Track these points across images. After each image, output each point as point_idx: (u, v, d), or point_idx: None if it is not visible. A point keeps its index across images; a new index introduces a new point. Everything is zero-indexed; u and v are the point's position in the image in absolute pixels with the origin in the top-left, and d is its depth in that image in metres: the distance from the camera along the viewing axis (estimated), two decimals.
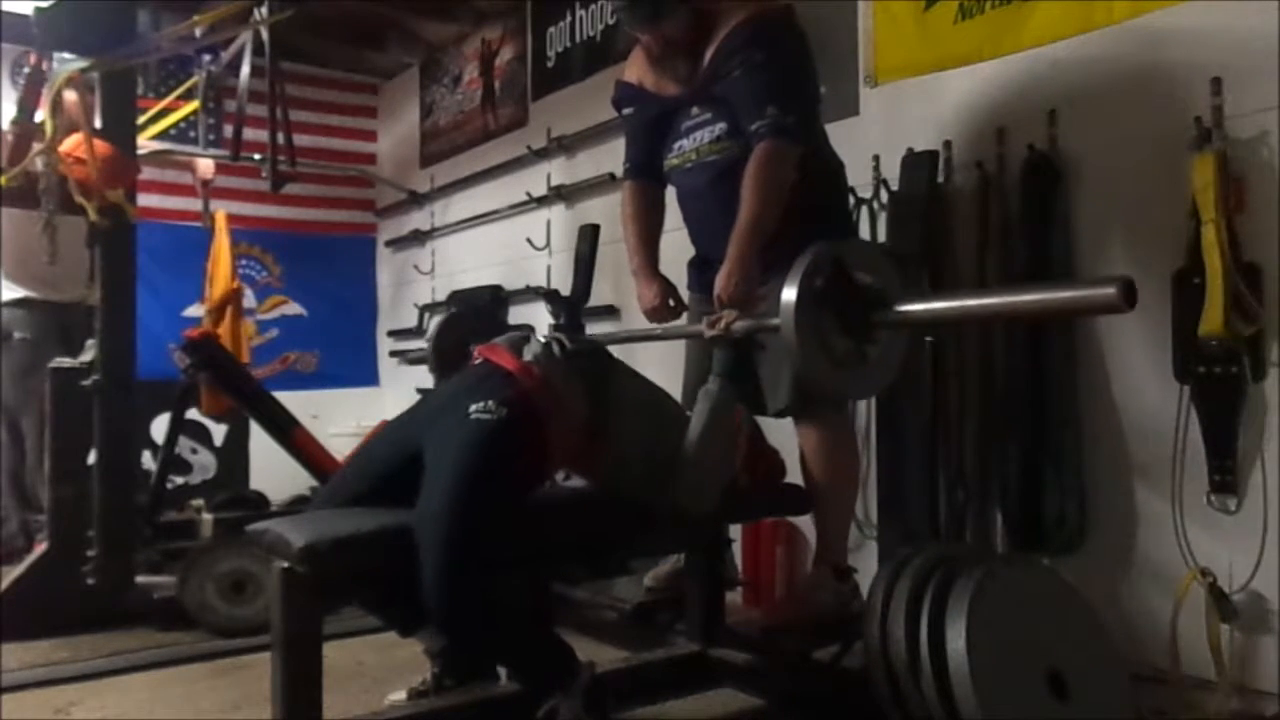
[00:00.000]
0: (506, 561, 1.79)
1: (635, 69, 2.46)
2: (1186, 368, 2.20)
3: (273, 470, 3.87)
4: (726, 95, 2.24)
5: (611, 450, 1.88)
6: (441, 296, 5.17)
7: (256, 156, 3.89)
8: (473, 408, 1.72)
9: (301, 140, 3.94)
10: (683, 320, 2.54)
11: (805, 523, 2.93)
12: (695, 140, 2.32)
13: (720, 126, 2.27)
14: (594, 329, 3.81)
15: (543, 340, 1.89)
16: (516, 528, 1.76)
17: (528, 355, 1.83)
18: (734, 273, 2.14)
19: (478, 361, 1.89)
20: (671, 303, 2.44)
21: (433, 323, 2.80)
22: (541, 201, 4.44)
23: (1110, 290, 1.40)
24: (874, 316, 1.73)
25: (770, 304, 1.88)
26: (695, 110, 2.33)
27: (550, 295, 3.58)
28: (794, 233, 2.11)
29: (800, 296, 1.65)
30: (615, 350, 3.30)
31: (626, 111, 2.51)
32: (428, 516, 1.65)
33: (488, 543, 1.68)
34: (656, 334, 2.37)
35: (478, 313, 2.89)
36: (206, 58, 4.46)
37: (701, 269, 2.44)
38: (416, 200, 5.52)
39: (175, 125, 4.71)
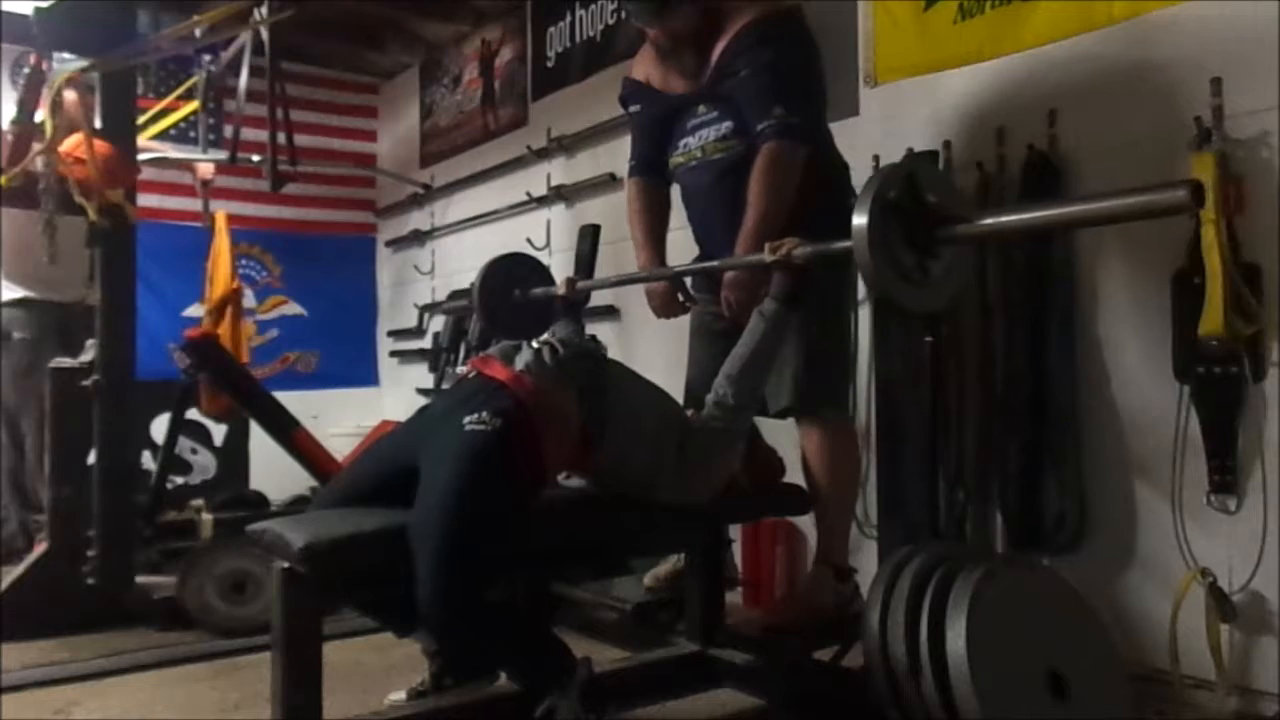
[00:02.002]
0: (503, 568, 1.79)
1: (642, 66, 2.46)
2: (1186, 367, 2.20)
3: (273, 470, 3.87)
4: (733, 94, 2.24)
5: (611, 453, 1.88)
6: (441, 296, 5.17)
7: (255, 158, 3.89)
8: (467, 419, 1.72)
9: (301, 140, 3.93)
10: (688, 319, 2.54)
11: (805, 523, 2.94)
12: (701, 138, 2.32)
13: (726, 125, 2.27)
14: (595, 329, 3.84)
15: (534, 347, 1.89)
16: (514, 534, 1.76)
17: (519, 364, 1.84)
18: (741, 274, 2.14)
19: (470, 375, 1.89)
20: (680, 297, 2.43)
21: (477, 276, 2.79)
22: (541, 201, 4.44)
23: (1180, 192, 1.40)
24: (939, 232, 1.74)
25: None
26: (702, 108, 2.32)
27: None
28: (798, 233, 2.11)
29: (874, 206, 1.65)
30: (614, 349, 3.30)
31: (633, 109, 2.51)
32: (423, 527, 1.65)
33: (482, 552, 1.68)
34: (683, 270, 2.36)
35: (519, 259, 2.90)
36: (206, 58, 4.46)
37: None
38: (417, 200, 5.52)
39: (175, 125, 4.71)
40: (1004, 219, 1.82)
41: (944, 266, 1.79)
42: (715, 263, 2.29)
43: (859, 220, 1.66)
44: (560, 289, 2.55)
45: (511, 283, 2.76)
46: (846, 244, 1.71)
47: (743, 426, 2.03)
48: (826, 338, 2.31)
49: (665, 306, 2.45)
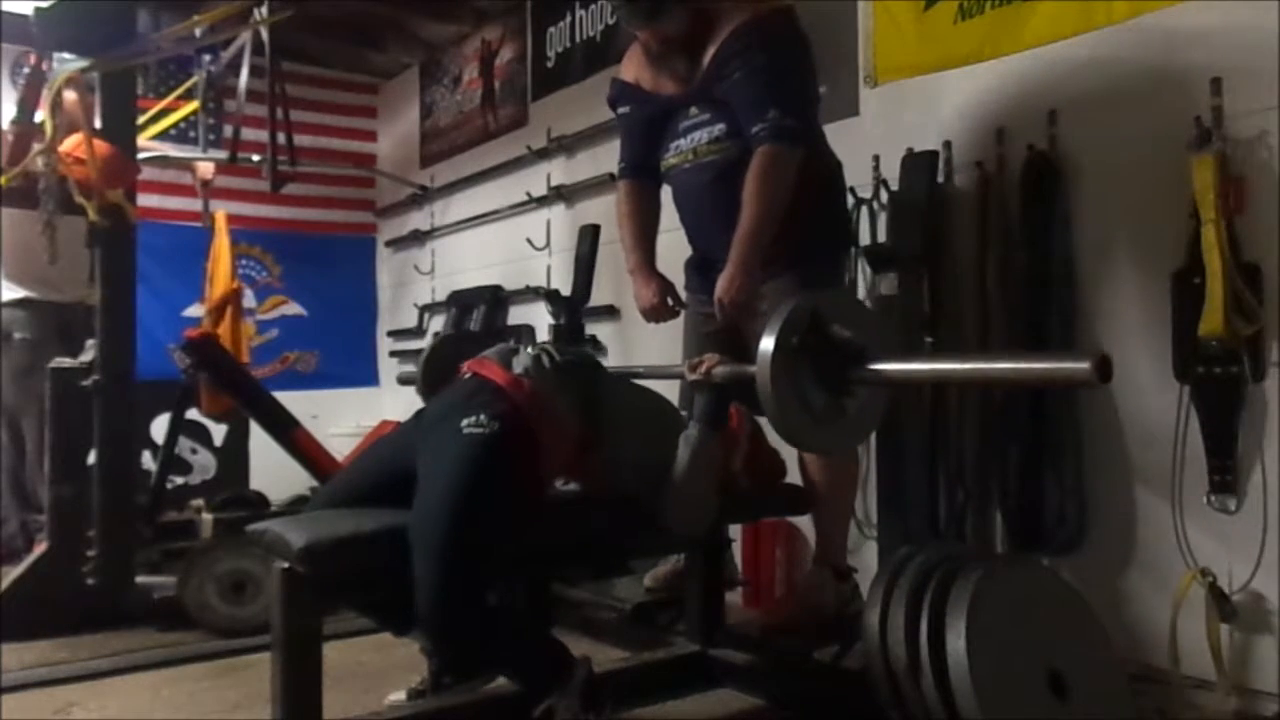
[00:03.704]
0: (501, 570, 1.79)
1: (632, 67, 2.45)
2: (1186, 368, 2.20)
3: (273, 470, 3.86)
4: (727, 97, 2.23)
5: (607, 458, 1.88)
6: (441, 296, 5.17)
7: (255, 157, 3.89)
8: (464, 422, 1.72)
9: (301, 140, 3.93)
10: (680, 319, 2.54)
11: (805, 523, 2.93)
12: (693, 140, 2.32)
13: (719, 127, 2.27)
14: (594, 329, 3.84)
15: (532, 352, 1.89)
16: (513, 534, 1.76)
17: (517, 368, 1.83)
18: (736, 277, 2.14)
19: (467, 376, 1.89)
20: (670, 301, 2.43)
21: (421, 353, 2.73)
22: (541, 201, 4.44)
23: (1084, 365, 1.38)
24: (851, 373, 1.69)
25: (771, 301, 1.88)
26: (694, 110, 2.32)
27: (550, 295, 3.59)
28: (791, 234, 2.11)
29: (777, 352, 1.61)
30: (613, 349, 3.29)
31: (622, 110, 2.51)
32: (420, 530, 1.65)
33: (481, 556, 1.68)
34: (639, 373, 2.31)
35: (466, 338, 2.79)
36: (206, 58, 4.45)
37: (700, 269, 2.44)
38: (417, 200, 5.52)
39: (175, 125, 4.71)
40: (913, 366, 1.79)
41: (859, 404, 1.75)
42: (641, 368, 2.34)
43: (764, 351, 1.61)
44: None
45: (459, 359, 2.70)
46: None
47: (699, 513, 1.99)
48: None
49: (655, 310, 2.44)
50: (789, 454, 2.30)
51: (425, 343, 5.22)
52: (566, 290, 3.63)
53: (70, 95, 3.03)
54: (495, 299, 4.61)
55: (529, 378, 1.81)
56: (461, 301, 4.84)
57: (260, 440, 3.78)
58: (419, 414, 1.98)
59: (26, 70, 3.83)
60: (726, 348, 2.06)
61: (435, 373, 2.65)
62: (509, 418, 1.74)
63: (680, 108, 2.35)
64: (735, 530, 2.98)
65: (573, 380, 1.87)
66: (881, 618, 1.81)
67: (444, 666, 2.00)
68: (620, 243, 2.51)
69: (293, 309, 5.79)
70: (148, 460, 3.75)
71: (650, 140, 2.44)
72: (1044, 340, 2.45)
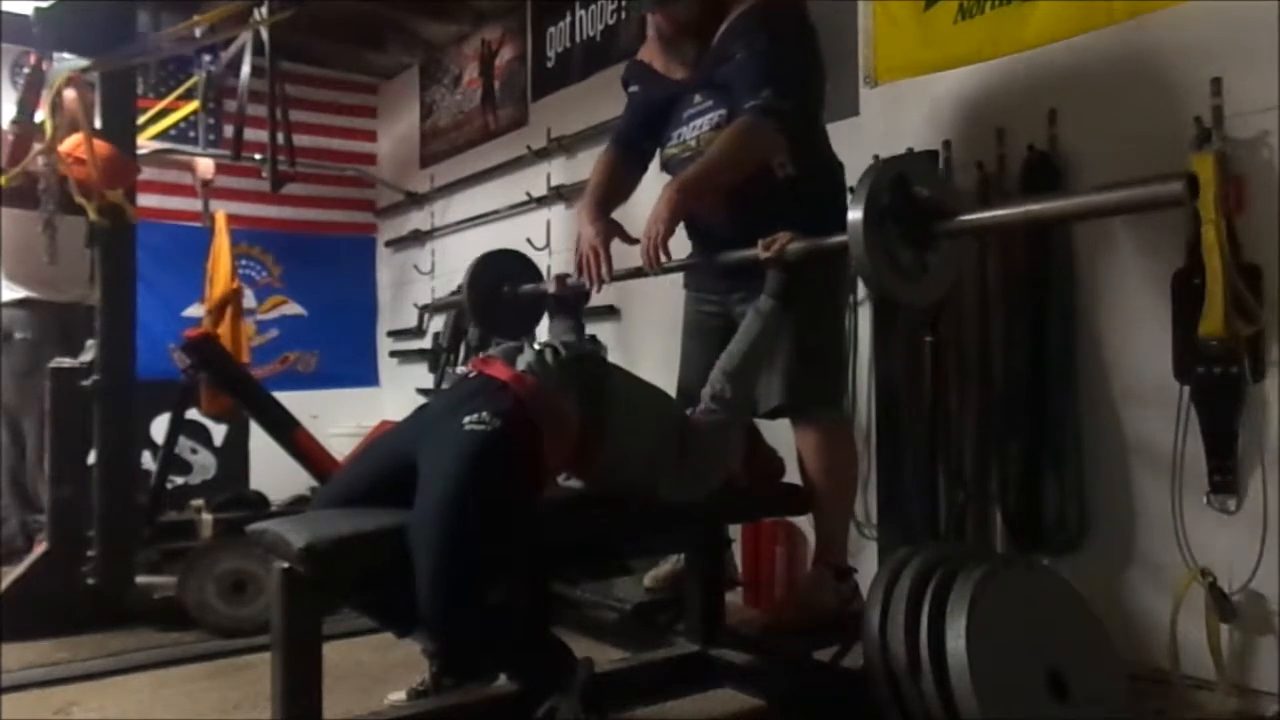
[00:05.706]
0: (503, 568, 1.79)
1: (648, 51, 2.46)
2: (1186, 368, 2.20)
3: (273, 470, 3.87)
4: (728, 80, 2.21)
5: (610, 454, 1.88)
6: (442, 296, 5.17)
7: (256, 156, 3.89)
8: (467, 419, 1.71)
9: (301, 140, 3.93)
10: (677, 323, 2.54)
11: (805, 523, 2.93)
12: (695, 129, 2.30)
13: (720, 114, 2.24)
14: (594, 329, 3.84)
15: (536, 349, 1.89)
16: (513, 533, 1.76)
17: (521, 365, 1.84)
18: (661, 216, 2.07)
19: (471, 374, 1.89)
20: (606, 245, 2.25)
21: (468, 267, 2.76)
22: (541, 201, 4.44)
23: (1176, 186, 1.43)
24: (935, 227, 1.76)
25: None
26: (697, 98, 2.30)
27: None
28: (790, 228, 2.10)
29: (867, 218, 1.68)
30: (614, 349, 3.29)
31: (632, 89, 2.50)
32: (421, 528, 1.65)
33: (482, 553, 1.68)
34: (673, 267, 2.22)
35: (509, 254, 2.86)
36: (206, 58, 4.46)
37: (701, 267, 2.44)
38: (416, 200, 5.52)
39: (175, 125, 4.71)
40: (999, 212, 1.85)
41: (941, 258, 1.81)
42: (695, 259, 2.30)
43: (854, 216, 1.69)
44: (551, 286, 2.51)
45: (501, 280, 2.74)
46: (841, 239, 1.72)
47: (741, 421, 2.04)
48: (820, 336, 2.30)
49: (590, 254, 2.22)
50: (789, 454, 2.31)
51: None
52: None
53: (70, 95, 3.03)
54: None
55: (533, 374, 1.81)
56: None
57: (260, 440, 3.79)
58: (420, 409, 1.98)
59: (26, 70, 3.82)
60: (726, 344, 2.06)
61: (480, 290, 2.67)
62: (512, 414, 1.74)
63: (686, 95, 2.33)
64: (735, 530, 2.98)
65: (577, 376, 1.87)
66: (881, 618, 1.82)
67: (445, 667, 2.00)
68: (582, 206, 2.43)
69: (293, 309, 5.79)
70: (148, 460, 3.75)
71: (649, 123, 2.43)
72: (1044, 339, 2.45)
